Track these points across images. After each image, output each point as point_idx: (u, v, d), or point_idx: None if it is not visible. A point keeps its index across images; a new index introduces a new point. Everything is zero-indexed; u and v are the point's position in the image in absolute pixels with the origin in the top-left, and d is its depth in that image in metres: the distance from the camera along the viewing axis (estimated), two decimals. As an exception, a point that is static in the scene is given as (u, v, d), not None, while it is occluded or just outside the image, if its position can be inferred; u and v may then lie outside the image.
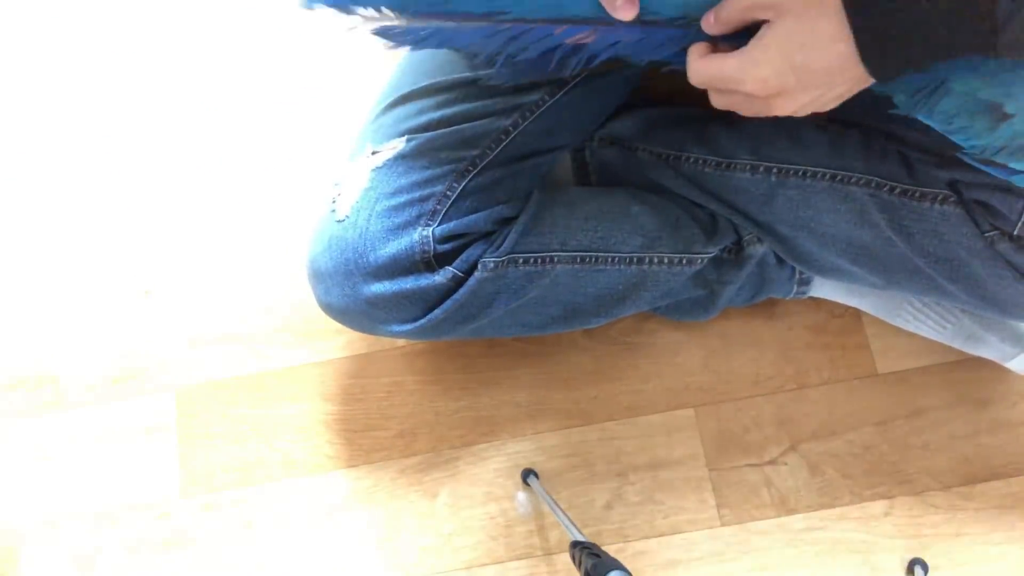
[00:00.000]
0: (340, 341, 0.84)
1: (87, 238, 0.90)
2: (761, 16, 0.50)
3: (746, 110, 0.54)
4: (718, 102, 0.56)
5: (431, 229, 0.65)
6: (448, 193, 0.65)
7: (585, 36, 0.56)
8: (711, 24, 0.53)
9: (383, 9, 0.54)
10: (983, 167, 0.56)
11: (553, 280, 0.69)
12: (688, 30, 0.54)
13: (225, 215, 0.90)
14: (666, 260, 0.71)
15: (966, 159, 0.56)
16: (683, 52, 0.56)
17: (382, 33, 0.56)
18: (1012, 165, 0.55)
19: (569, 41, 0.56)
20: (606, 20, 0.55)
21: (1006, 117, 0.52)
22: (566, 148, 0.75)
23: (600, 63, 0.58)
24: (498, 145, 0.67)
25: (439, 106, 0.66)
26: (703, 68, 0.54)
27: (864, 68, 0.47)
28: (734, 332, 0.82)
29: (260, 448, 0.82)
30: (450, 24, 0.55)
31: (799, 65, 0.48)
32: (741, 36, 0.52)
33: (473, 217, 0.66)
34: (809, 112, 0.53)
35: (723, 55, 0.52)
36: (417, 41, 0.57)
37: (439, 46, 0.57)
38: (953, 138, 0.56)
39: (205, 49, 0.96)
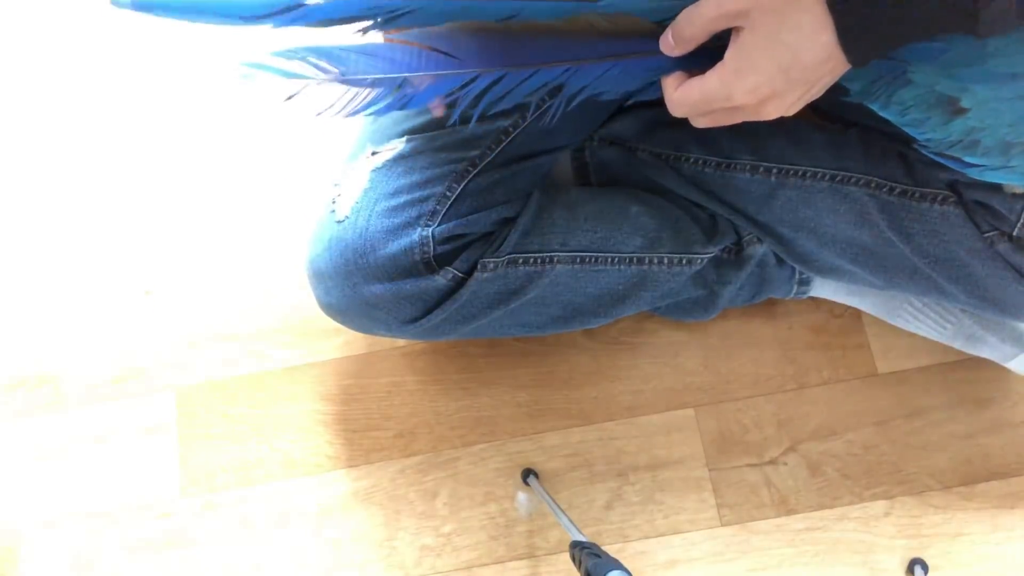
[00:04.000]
0: (339, 341, 0.84)
1: (87, 238, 0.90)
2: (730, 25, 0.49)
3: (733, 121, 0.53)
4: (702, 123, 0.54)
5: (431, 229, 0.65)
6: (448, 193, 0.65)
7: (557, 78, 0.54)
8: (670, 46, 0.51)
9: (315, 61, 0.50)
10: (938, 159, 0.56)
11: (553, 280, 0.69)
12: (658, 58, 0.53)
13: (225, 215, 0.90)
14: (666, 260, 0.71)
15: (922, 150, 0.56)
16: (656, 84, 0.54)
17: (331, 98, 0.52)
18: (966, 159, 0.55)
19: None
20: (576, 58, 0.53)
21: (961, 112, 0.52)
22: (566, 148, 0.75)
23: (578, 103, 0.56)
24: (498, 145, 0.67)
25: (439, 106, 0.66)
26: (684, 97, 0.52)
27: (844, 54, 0.47)
28: (734, 332, 0.82)
29: (260, 448, 0.82)
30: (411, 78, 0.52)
31: (788, 64, 0.48)
32: (703, 56, 0.51)
33: (473, 217, 0.66)
34: (798, 108, 0.52)
35: (700, 78, 0.51)
36: (373, 103, 0.53)
37: (402, 106, 0.53)
38: (906, 130, 0.55)
39: (204, 47, 0.96)
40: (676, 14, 0.51)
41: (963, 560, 0.75)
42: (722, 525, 0.77)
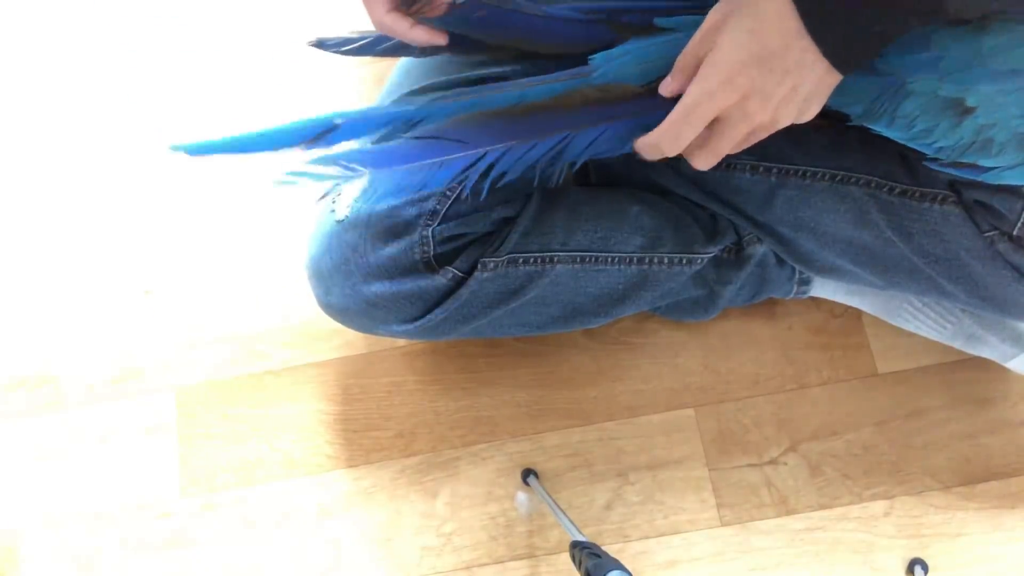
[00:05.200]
0: (340, 341, 0.84)
1: (87, 238, 0.90)
2: (712, 40, 0.51)
3: (733, 137, 0.54)
4: (701, 160, 0.55)
5: (431, 229, 0.65)
6: (448, 193, 0.65)
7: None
8: (668, 84, 0.55)
9: (346, 164, 0.55)
10: (952, 171, 0.56)
11: (553, 280, 0.69)
12: (649, 115, 0.55)
13: (225, 215, 0.90)
14: (666, 260, 0.71)
15: (934, 166, 0.56)
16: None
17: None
18: (981, 163, 0.55)
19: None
20: (574, 126, 0.57)
21: (969, 111, 0.52)
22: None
23: (582, 163, 0.60)
24: (498, 145, 0.67)
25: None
26: (669, 121, 0.53)
27: (815, 44, 0.48)
28: (734, 332, 0.82)
29: (260, 448, 0.82)
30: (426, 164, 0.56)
31: (757, 52, 0.49)
32: None
33: (473, 217, 0.66)
34: (792, 115, 0.53)
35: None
36: (393, 190, 0.58)
37: (420, 190, 0.59)
38: (915, 145, 0.56)
39: (205, 47, 0.96)
40: (663, 75, 0.55)
41: (963, 560, 0.75)
42: (722, 525, 0.77)
